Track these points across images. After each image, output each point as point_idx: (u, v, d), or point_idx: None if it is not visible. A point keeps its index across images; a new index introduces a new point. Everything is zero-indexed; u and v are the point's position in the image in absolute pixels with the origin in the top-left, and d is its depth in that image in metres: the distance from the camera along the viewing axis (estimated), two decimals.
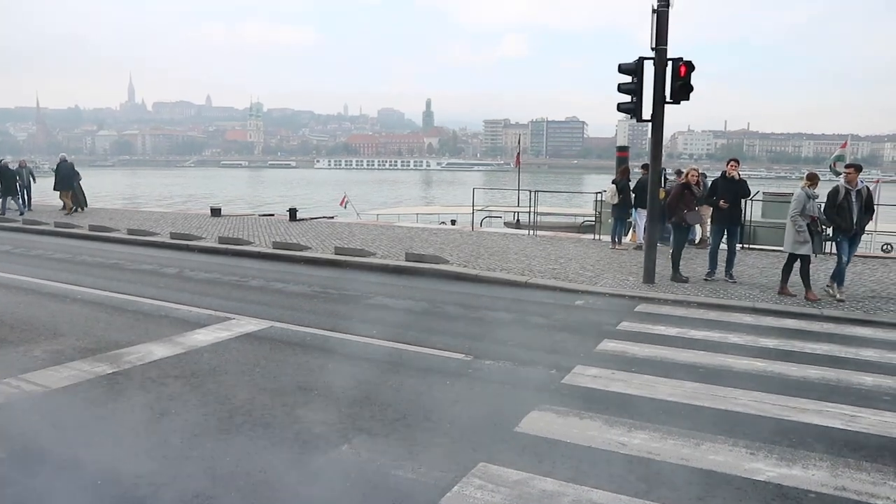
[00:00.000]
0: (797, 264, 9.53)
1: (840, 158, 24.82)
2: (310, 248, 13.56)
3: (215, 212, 20.87)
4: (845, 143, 25.44)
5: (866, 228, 9.92)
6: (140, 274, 11.17)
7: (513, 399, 5.34)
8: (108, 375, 5.78)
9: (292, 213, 19.83)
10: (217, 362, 6.25)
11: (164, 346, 6.74)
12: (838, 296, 9.37)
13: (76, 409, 5.03)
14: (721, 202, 10.59)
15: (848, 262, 9.59)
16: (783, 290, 9.64)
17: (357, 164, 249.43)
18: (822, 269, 10.88)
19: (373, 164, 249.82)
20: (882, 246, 17.39)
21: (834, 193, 9.33)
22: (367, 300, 9.25)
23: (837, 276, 9.54)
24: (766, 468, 4.18)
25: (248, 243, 14.16)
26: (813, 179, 9.57)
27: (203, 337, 7.12)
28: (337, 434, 4.61)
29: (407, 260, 11.91)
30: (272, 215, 22.11)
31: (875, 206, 9.76)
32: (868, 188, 9.51)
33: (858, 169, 9.55)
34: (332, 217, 23.12)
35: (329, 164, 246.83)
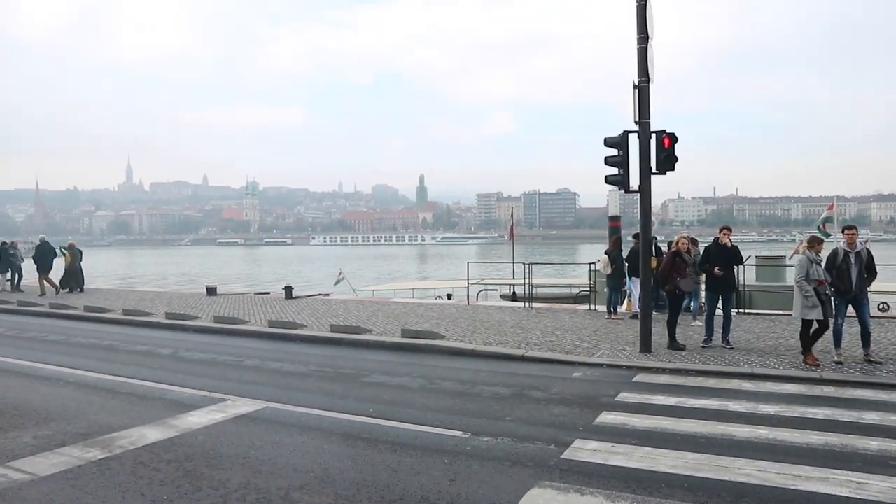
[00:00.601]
0: (814, 327, 9.36)
1: (828, 220, 25.19)
2: (306, 326, 13.53)
3: (211, 291, 20.89)
4: (832, 205, 25.85)
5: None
6: (135, 355, 11.09)
7: (512, 476, 5.24)
8: (100, 461, 5.67)
9: (288, 290, 19.85)
10: (211, 445, 6.14)
11: (157, 429, 6.64)
12: (837, 358, 9.30)
13: (64, 498, 4.90)
14: (715, 269, 10.68)
15: (867, 324, 9.40)
16: (808, 360, 9.26)
17: (353, 241, 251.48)
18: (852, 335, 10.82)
19: (368, 240, 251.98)
20: (878, 305, 17.40)
21: (833, 256, 9.38)
22: (364, 378, 9.17)
23: (836, 338, 9.43)
24: None
25: (244, 322, 14.13)
26: (813, 243, 9.58)
27: (197, 419, 7.02)
28: None
29: (403, 336, 11.87)
30: (268, 293, 22.13)
31: (876, 268, 9.70)
32: (868, 250, 9.46)
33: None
34: (328, 294, 23.14)
35: (325, 241, 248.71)
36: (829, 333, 9.39)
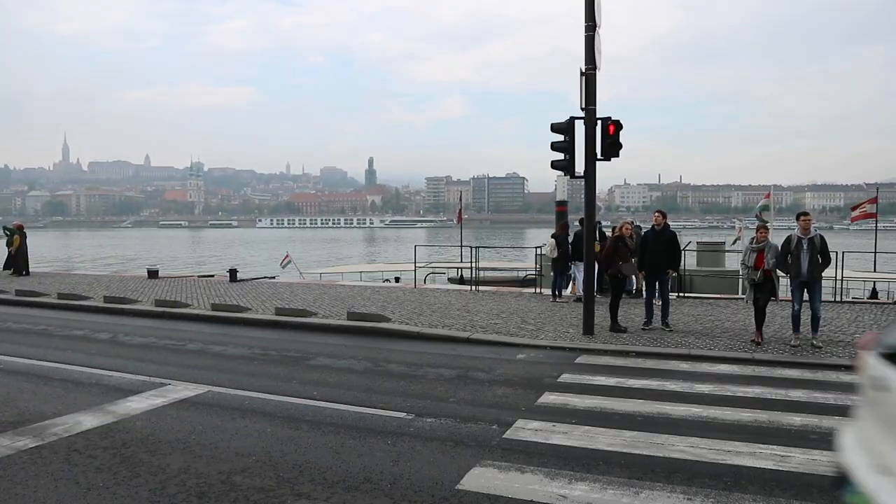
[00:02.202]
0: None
1: (765, 208, 26.11)
2: (250, 309, 13.34)
3: (152, 274, 20.36)
4: (769, 194, 26.79)
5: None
6: (70, 340, 10.74)
7: (454, 456, 5.31)
8: (31, 449, 5.49)
9: (233, 273, 19.52)
10: (150, 431, 6.02)
11: (93, 415, 6.46)
12: (793, 342, 9.64)
13: None
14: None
15: (817, 309, 9.68)
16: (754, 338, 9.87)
17: (300, 223, 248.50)
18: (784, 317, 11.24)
19: (316, 223, 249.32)
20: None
21: (787, 241, 9.65)
22: (308, 361, 9.11)
23: (794, 323, 9.75)
24: None
25: (186, 306, 13.83)
26: (760, 230, 9.99)
27: (136, 405, 6.87)
28: (275, 501, 4.48)
29: (349, 319, 11.83)
30: (212, 276, 21.69)
31: (830, 255, 9.98)
32: (821, 236, 9.66)
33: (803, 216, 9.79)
34: (274, 277, 22.84)
35: (271, 223, 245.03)
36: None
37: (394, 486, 4.72)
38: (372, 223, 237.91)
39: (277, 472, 4.99)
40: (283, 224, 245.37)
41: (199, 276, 21.70)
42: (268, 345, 10.31)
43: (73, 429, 6.03)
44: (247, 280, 19.82)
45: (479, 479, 4.81)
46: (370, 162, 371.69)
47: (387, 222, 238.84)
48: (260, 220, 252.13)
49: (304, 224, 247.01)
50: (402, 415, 6.46)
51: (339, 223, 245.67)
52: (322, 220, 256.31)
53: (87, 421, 6.27)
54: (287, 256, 29.50)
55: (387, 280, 23.97)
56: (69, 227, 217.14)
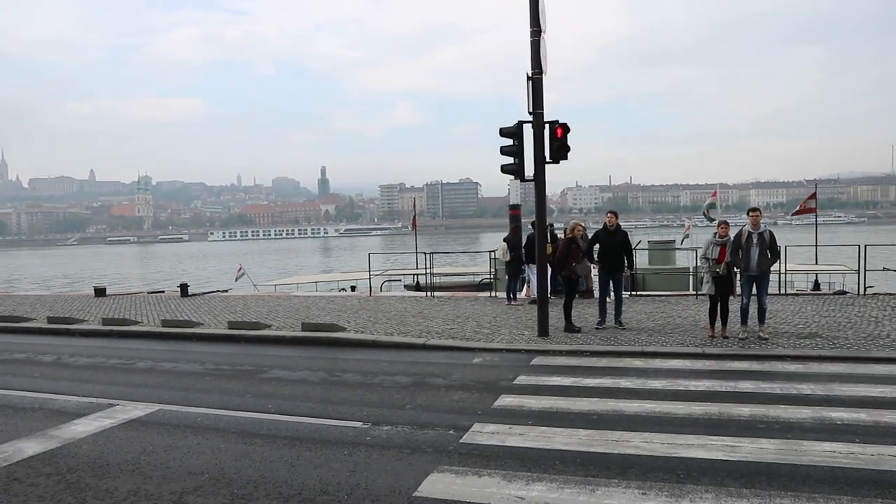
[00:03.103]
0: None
1: (712, 206, 26.87)
2: (202, 324, 13.06)
3: (99, 292, 19.75)
4: (715, 192, 27.55)
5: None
6: (10, 364, 10.34)
7: (411, 463, 5.28)
8: None
9: (184, 288, 19.08)
10: (98, 454, 5.82)
11: (36, 441, 6.22)
12: (741, 335, 9.89)
13: None
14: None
15: (764, 302, 9.98)
16: (711, 332, 10.17)
17: (253, 235, 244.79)
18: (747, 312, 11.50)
19: (269, 234, 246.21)
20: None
21: (738, 236, 9.91)
22: (262, 374, 8.96)
23: (742, 315, 10.03)
24: None
25: (136, 323, 13.46)
26: (721, 225, 10.24)
27: (83, 427, 6.64)
28: None
29: (303, 330, 11.68)
30: (162, 292, 21.19)
31: (779, 249, 10.28)
32: (770, 232, 9.94)
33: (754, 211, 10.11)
34: (227, 291, 22.44)
35: (224, 236, 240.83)
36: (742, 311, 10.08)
37: (350, 496, 4.66)
38: (326, 233, 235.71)
39: (231, 489, 4.89)
40: (235, 236, 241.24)
41: (148, 293, 21.17)
42: (221, 359, 10.10)
43: (13, 457, 5.79)
44: (199, 294, 19.40)
45: (437, 484, 4.80)
46: (323, 171, 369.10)
47: (341, 231, 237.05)
48: (212, 234, 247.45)
49: (258, 236, 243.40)
50: (359, 424, 6.40)
51: (292, 234, 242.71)
52: (275, 231, 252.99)
53: (30, 447, 6.03)
54: (240, 269, 29.03)
55: (342, 289, 23.75)
56: (9, 247, 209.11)
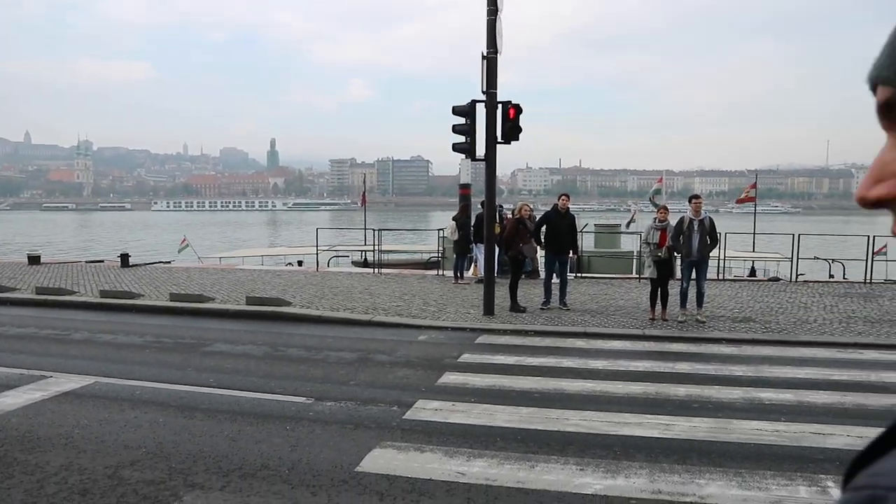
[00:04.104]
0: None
1: (657, 192, 27.44)
2: (143, 295, 12.73)
3: (33, 259, 18.98)
4: (661, 179, 28.18)
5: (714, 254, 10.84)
6: None
7: (354, 439, 5.29)
8: None
9: (124, 258, 18.51)
10: (27, 427, 5.64)
11: None
12: (680, 318, 10.20)
13: None
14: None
15: (702, 286, 10.33)
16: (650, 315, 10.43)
17: (198, 206, 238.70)
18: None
19: (215, 206, 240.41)
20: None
21: (680, 222, 10.20)
22: (205, 348, 8.81)
23: (682, 299, 10.34)
24: (594, 481, 4.45)
25: (72, 293, 13.02)
26: (662, 210, 10.50)
27: (12, 400, 6.41)
28: (167, 493, 4.32)
29: (247, 304, 11.51)
30: (101, 262, 20.51)
31: (718, 236, 10.65)
32: (711, 219, 10.29)
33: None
34: (170, 262, 21.89)
35: (168, 206, 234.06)
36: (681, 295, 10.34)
37: (292, 471, 4.65)
38: (274, 206, 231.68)
39: (169, 463, 4.81)
40: (180, 207, 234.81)
41: (86, 262, 20.46)
42: (161, 332, 9.88)
43: None
44: (140, 265, 18.87)
45: (379, 460, 4.83)
46: (272, 143, 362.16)
47: (289, 205, 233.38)
48: (155, 203, 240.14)
49: (203, 207, 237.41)
50: (302, 399, 6.37)
51: (239, 206, 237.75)
52: (222, 202, 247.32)
53: None
54: (184, 240, 28.31)
55: (289, 264, 23.45)
56: None
